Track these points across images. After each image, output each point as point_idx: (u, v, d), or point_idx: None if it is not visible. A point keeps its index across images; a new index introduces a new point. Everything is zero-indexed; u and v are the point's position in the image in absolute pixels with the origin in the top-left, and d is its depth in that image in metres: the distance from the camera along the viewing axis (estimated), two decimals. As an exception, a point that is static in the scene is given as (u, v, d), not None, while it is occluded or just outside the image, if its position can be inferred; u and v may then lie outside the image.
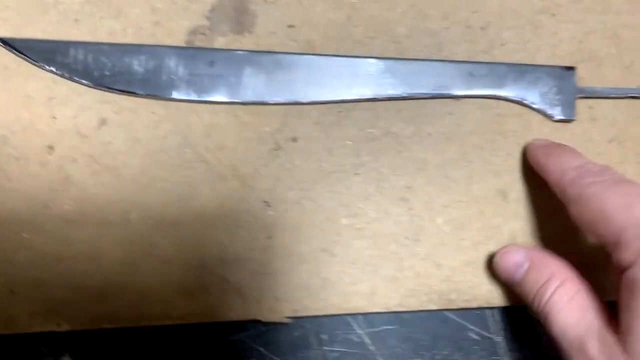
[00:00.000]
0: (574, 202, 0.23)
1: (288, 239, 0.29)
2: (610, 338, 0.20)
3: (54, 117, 0.28)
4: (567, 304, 0.22)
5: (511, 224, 0.29)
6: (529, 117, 0.30)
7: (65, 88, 0.28)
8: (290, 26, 0.30)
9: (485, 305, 0.29)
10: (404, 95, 0.29)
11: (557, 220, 0.29)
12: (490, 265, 0.28)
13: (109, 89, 0.28)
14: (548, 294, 0.23)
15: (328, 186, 0.29)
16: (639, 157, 0.30)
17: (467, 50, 0.30)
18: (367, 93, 0.29)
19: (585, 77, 0.30)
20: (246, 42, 0.30)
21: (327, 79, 0.29)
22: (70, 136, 0.28)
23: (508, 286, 0.27)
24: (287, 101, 0.29)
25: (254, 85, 0.29)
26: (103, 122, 0.28)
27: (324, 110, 0.29)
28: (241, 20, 0.30)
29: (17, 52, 0.27)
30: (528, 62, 0.30)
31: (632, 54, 0.30)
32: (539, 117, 0.29)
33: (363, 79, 0.29)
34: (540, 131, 0.29)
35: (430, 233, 0.29)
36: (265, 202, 0.29)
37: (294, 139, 0.29)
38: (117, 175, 0.28)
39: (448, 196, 0.29)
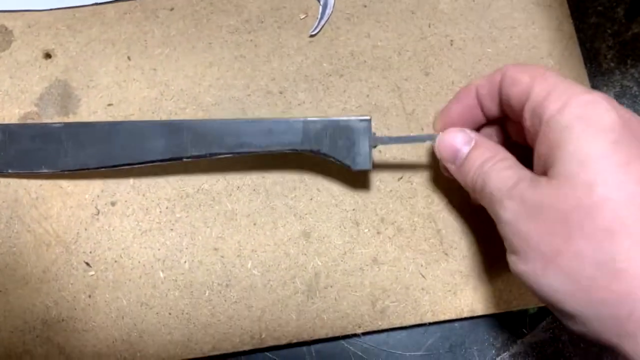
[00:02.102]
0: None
1: (108, 296, 0.31)
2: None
3: None
4: (502, 171, 0.24)
5: (315, 260, 0.31)
6: (327, 163, 0.33)
7: None
8: (110, 104, 0.34)
9: (295, 341, 0.30)
10: (207, 154, 0.30)
11: (355, 254, 0.31)
12: (297, 302, 0.30)
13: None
14: (489, 165, 0.24)
15: (145, 243, 0.31)
16: (426, 191, 0.33)
17: (268, 112, 0.34)
18: (179, 154, 0.30)
19: (373, 126, 0.34)
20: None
21: (139, 143, 0.31)
22: None
23: (445, 164, 0.27)
24: (105, 165, 0.31)
25: (73, 154, 0.31)
26: None
27: (140, 175, 0.32)
28: (66, 104, 0.34)
29: None
30: (322, 117, 0.33)
31: (413, 103, 0.34)
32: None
33: (175, 142, 0.31)
34: (338, 176, 0.33)
35: (241, 277, 0.31)
36: (87, 263, 0.31)
37: (113, 203, 0.32)
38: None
39: (256, 242, 0.32)
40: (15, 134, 0.32)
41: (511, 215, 0.22)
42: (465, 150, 0.26)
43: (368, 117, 0.29)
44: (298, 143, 0.30)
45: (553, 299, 0.21)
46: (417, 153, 0.33)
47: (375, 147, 0.29)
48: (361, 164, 0.29)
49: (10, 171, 0.32)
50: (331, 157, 0.30)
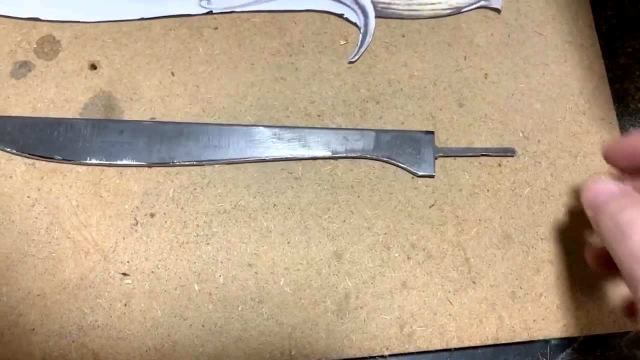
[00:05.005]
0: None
1: (143, 305, 0.31)
2: None
3: None
4: None
5: (346, 281, 0.32)
6: (362, 186, 0.34)
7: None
8: (152, 118, 0.35)
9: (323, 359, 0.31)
10: (290, 157, 0.34)
11: (385, 278, 0.32)
12: (327, 321, 0.31)
13: (32, 155, 0.33)
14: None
15: (181, 255, 0.32)
16: (457, 219, 0.34)
17: (305, 134, 0.35)
18: (259, 155, 0.34)
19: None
20: (113, 133, 0.34)
21: (223, 143, 0.34)
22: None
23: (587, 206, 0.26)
24: (188, 162, 0.33)
25: (158, 149, 0.33)
26: (-25, 205, 0.32)
27: (180, 189, 0.33)
28: (109, 115, 0.35)
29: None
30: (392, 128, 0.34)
31: (446, 132, 0.35)
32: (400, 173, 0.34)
33: (255, 143, 0.34)
34: (371, 199, 0.33)
35: (273, 294, 0.32)
36: (124, 272, 0.32)
37: (152, 215, 0.33)
38: (-9, 254, 0.31)
39: (289, 260, 0.32)
40: (103, 126, 0.34)
41: None
42: (608, 198, 0.25)
43: (432, 131, 0.34)
44: (370, 150, 0.34)
45: None
46: (449, 182, 0.34)
47: (437, 158, 0.33)
48: (425, 170, 0.33)
49: (93, 161, 0.33)
50: (399, 164, 0.33)
